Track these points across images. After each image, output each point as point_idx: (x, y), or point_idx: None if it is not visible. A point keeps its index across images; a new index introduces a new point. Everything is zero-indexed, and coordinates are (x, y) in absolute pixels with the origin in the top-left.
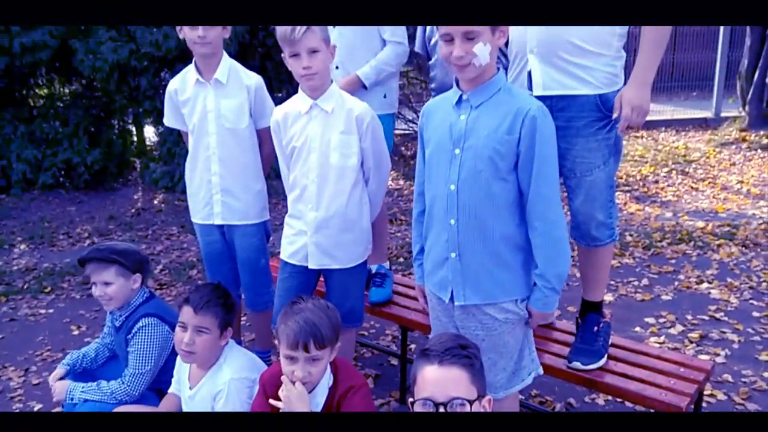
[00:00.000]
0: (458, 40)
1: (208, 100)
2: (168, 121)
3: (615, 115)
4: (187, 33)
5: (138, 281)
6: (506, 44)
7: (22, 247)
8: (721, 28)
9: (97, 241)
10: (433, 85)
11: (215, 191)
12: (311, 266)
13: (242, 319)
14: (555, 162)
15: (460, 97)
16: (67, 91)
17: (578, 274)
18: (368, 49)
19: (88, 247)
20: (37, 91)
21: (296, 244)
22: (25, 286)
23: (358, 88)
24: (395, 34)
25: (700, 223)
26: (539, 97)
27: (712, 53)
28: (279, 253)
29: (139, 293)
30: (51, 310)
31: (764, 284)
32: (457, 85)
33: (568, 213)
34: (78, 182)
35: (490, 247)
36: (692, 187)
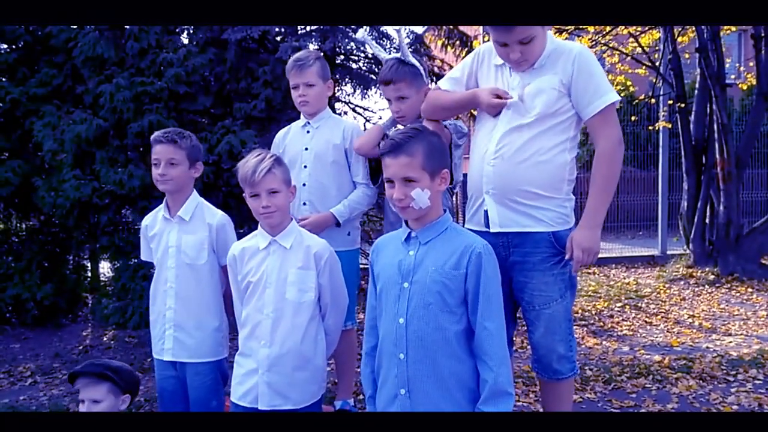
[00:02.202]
0: (398, 184)
1: (171, 235)
2: (143, 254)
3: (567, 257)
4: (153, 171)
5: (126, 402)
6: (455, 186)
7: None
8: (660, 172)
9: (39, 380)
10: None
11: (168, 326)
12: (261, 407)
13: None
14: (499, 298)
15: (409, 234)
16: (23, 226)
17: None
18: (339, 190)
19: (29, 387)
20: None
21: (246, 384)
22: None
23: (330, 225)
24: (366, 177)
25: (657, 357)
26: (496, 234)
27: (653, 196)
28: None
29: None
30: None
31: None
32: (407, 223)
33: (528, 346)
34: (25, 318)
35: (439, 382)
36: (646, 321)
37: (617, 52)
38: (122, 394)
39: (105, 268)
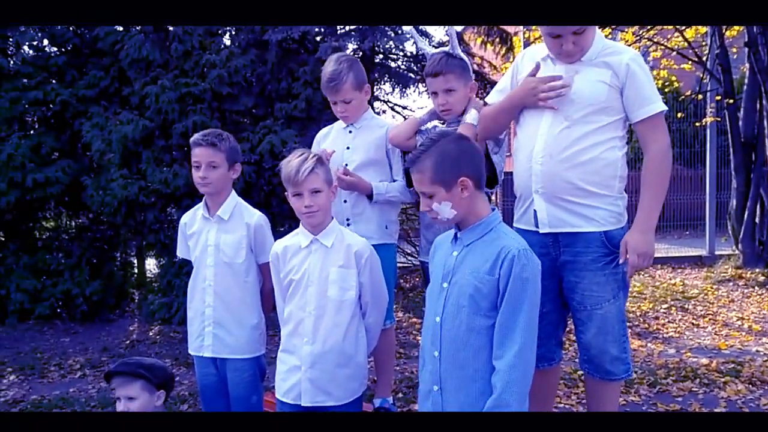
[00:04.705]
0: (422, 197)
1: (210, 234)
2: (179, 251)
3: (621, 261)
4: (194, 174)
5: (162, 398)
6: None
7: (12, 378)
8: (708, 170)
9: (88, 373)
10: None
11: (207, 323)
12: (304, 404)
13: None
14: (530, 304)
15: (456, 234)
16: (73, 224)
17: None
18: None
19: (79, 380)
20: (44, 223)
21: (290, 381)
22: None
23: (363, 193)
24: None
25: (704, 360)
26: (545, 234)
27: (700, 194)
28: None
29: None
30: None
31: None
32: (457, 224)
33: (570, 347)
34: (75, 313)
35: (466, 382)
36: (693, 324)
37: (661, 47)
38: (156, 390)
39: (151, 264)
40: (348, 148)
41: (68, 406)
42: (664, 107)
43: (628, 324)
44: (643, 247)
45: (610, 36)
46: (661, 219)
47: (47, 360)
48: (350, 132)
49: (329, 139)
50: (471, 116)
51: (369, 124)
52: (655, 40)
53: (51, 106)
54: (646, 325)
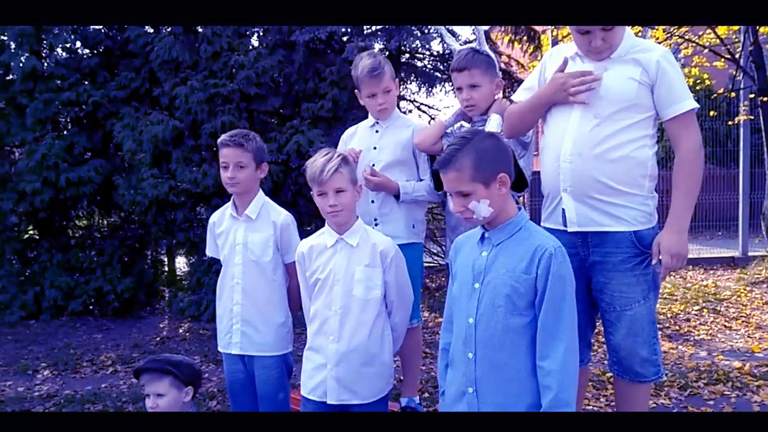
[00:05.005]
0: (454, 197)
1: (238, 233)
2: (209, 250)
3: (654, 261)
4: (222, 174)
5: (190, 394)
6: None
7: (46, 373)
8: (741, 169)
9: (119, 369)
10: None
11: (235, 321)
12: (330, 401)
13: None
14: (569, 302)
15: (483, 234)
16: (105, 222)
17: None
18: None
19: (110, 375)
20: (76, 222)
21: (315, 379)
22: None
23: (390, 192)
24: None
25: (737, 363)
26: (574, 233)
27: (733, 194)
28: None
29: (189, 408)
30: None
31: None
32: (483, 224)
33: (598, 348)
34: (107, 310)
35: (504, 383)
36: (725, 326)
37: (693, 44)
38: (184, 386)
39: (181, 263)
40: (375, 147)
41: (100, 402)
42: (696, 105)
43: (658, 326)
44: (676, 247)
45: (640, 33)
46: (693, 219)
47: (80, 356)
48: (377, 132)
49: (355, 138)
50: (493, 124)
51: (395, 123)
52: (686, 37)
53: (83, 106)
54: (677, 327)
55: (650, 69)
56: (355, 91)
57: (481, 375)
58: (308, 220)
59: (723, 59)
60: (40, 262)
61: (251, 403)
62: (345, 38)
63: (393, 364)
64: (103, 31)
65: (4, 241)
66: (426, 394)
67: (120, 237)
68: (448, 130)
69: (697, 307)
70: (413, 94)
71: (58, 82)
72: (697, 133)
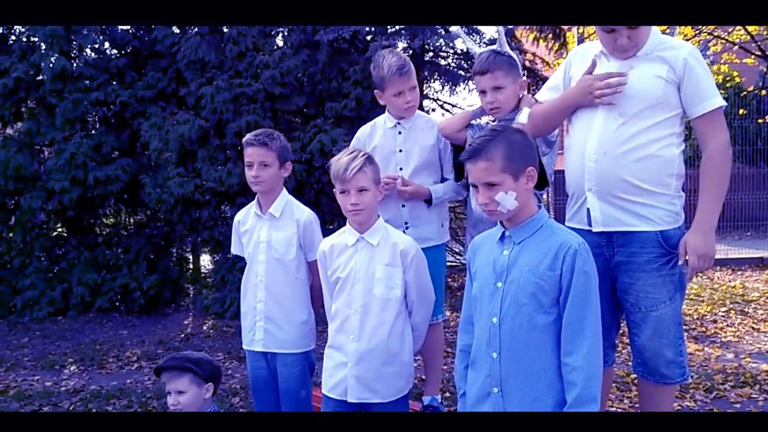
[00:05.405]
0: (481, 188)
1: (262, 231)
2: (233, 248)
3: (681, 262)
4: (246, 172)
5: (210, 390)
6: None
7: (72, 368)
8: None
9: (144, 365)
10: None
11: (258, 318)
12: (350, 400)
13: None
14: (594, 299)
15: (503, 233)
16: (132, 221)
17: None
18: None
19: (135, 371)
20: (104, 220)
21: (336, 377)
22: (71, 408)
23: (422, 198)
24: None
25: (765, 366)
26: (599, 233)
27: (763, 194)
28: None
29: (210, 405)
30: None
31: None
32: (501, 222)
33: (622, 349)
34: (132, 306)
35: (529, 382)
36: (753, 328)
37: (722, 41)
38: (205, 383)
39: (205, 260)
40: (400, 150)
41: (125, 397)
42: (723, 102)
43: (684, 327)
44: (703, 248)
45: (668, 31)
46: (721, 219)
47: (106, 351)
48: (400, 133)
49: (375, 138)
50: (524, 115)
51: (418, 123)
52: (716, 34)
53: (111, 106)
54: (704, 329)
55: (677, 66)
56: (375, 91)
57: (506, 375)
58: (331, 219)
59: (753, 56)
60: (68, 259)
61: (274, 400)
62: (369, 37)
63: (413, 364)
64: (130, 31)
65: (33, 239)
66: (447, 394)
67: (146, 235)
68: (474, 122)
69: (724, 309)
70: (436, 92)
71: (87, 82)
72: (725, 131)
